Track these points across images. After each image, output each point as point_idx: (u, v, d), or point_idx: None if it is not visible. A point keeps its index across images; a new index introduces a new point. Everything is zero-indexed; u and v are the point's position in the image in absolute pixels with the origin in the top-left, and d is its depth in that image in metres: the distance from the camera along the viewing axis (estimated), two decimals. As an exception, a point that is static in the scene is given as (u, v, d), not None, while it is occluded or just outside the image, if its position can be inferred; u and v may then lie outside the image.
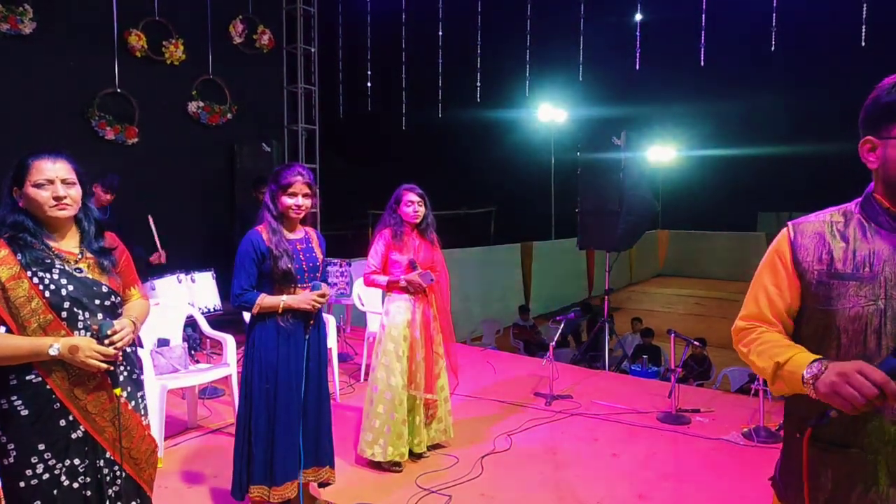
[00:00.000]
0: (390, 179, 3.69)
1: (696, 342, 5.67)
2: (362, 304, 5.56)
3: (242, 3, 7.61)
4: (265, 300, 2.72)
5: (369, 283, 3.66)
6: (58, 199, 1.83)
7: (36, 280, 1.79)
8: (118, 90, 6.39)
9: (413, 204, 3.59)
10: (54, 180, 1.83)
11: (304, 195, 2.78)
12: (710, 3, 7.00)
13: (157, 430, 3.41)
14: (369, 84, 9.28)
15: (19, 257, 1.79)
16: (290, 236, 2.83)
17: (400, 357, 3.53)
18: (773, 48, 6.86)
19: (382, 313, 3.67)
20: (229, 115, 7.39)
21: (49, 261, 1.83)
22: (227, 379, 4.16)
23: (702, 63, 7.08)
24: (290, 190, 2.75)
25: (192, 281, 5.06)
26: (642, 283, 19.10)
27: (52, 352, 1.76)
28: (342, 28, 9.11)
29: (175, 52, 6.79)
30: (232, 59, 7.52)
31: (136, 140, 6.46)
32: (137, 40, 6.46)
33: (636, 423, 4.33)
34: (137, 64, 6.54)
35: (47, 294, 1.80)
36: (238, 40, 7.57)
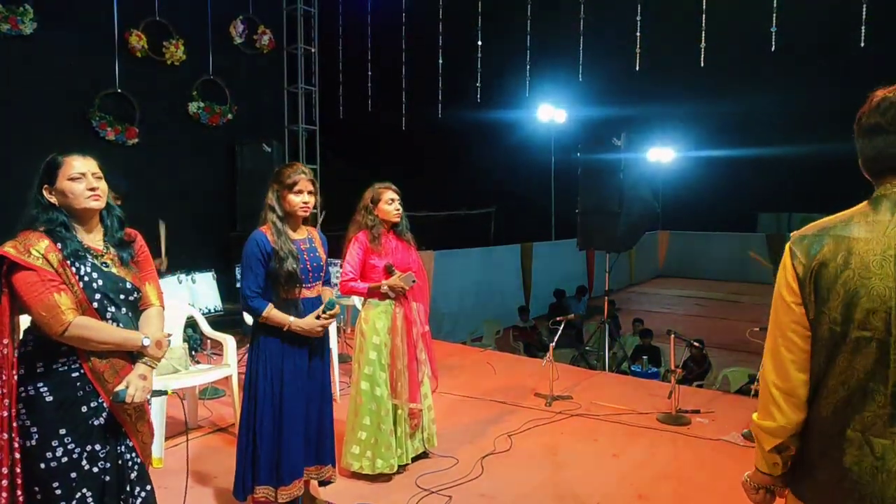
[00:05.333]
0: (390, 180, 3.62)
1: (695, 343, 5.68)
2: (362, 305, 5.56)
3: (243, 3, 7.62)
4: (272, 314, 2.71)
5: (347, 290, 3.44)
6: (92, 189, 1.96)
7: (74, 269, 1.92)
8: (119, 90, 6.40)
9: (394, 202, 3.45)
10: (86, 173, 1.96)
11: (309, 192, 2.79)
12: (710, 3, 6.99)
13: (157, 431, 3.41)
14: (369, 85, 9.27)
15: (60, 246, 1.90)
16: (294, 236, 2.82)
17: (383, 366, 3.40)
18: (772, 49, 6.86)
19: (361, 320, 3.48)
20: (229, 116, 7.40)
21: (83, 254, 1.95)
22: (227, 379, 4.16)
23: (702, 63, 7.07)
24: (297, 188, 2.75)
25: (193, 281, 5.07)
26: (642, 284, 19.08)
27: (146, 342, 1.98)
28: (342, 28, 9.10)
29: (175, 52, 6.80)
30: (232, 60, 7.53)
31: (136, 140, 6.47)
32: (138, 40, 6.46)
33: (636, 423, 4.33)
34: (138, 64, 6.55)
35: (81, 284, 1.92)
36: (238, 41, 7.58)
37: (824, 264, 1.29)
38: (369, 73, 9.24)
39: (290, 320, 2.72)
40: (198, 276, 5.10)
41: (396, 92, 9.14)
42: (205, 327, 4.34)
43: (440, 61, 8.87)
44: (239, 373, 4.24)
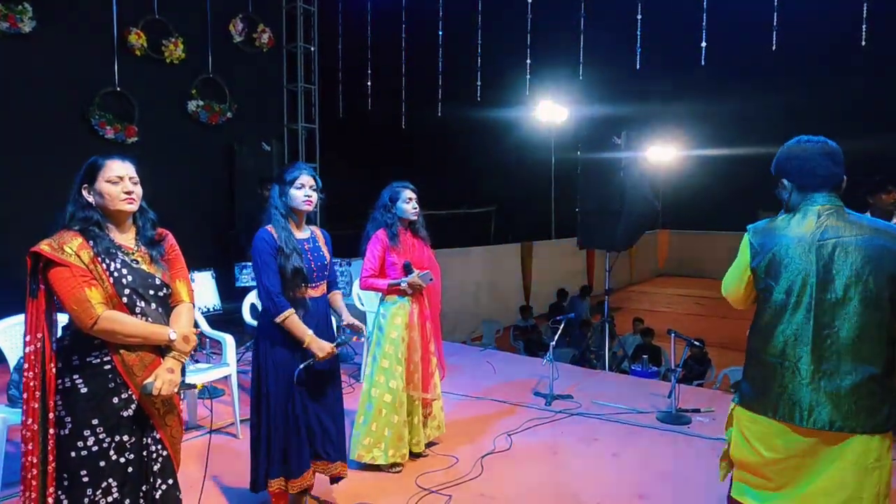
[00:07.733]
0: (390, 179, 3.65)
1: (695, 342, 5.67)
2: (362, 305, 5.56)
3: (242, 1, 7.61)
4: (291, 321, 2.68)
5: (367, 286, 3.55)
6: (128, 193, 2.08)
7: (104, 266, 2.01)
8: (118, 89, 6.39)
9: (413, 200, 3.56)
10: (124, 177, 2.09)
11: (311, 187, 2.79)
12: (710, 3, 6.99)
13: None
14: (369, 84, 9.27)
15: (91, 244, 2.01)
16: (298, 235, 2.82)
17: (400, 359, 3.51)
18: (773, 48, 6.86)
19: (378, 316, 3.61)
20: (229, 115, 7.39)
21: (113, 251, 2.05)
22: (226, 379, 4.15)
23: (702, 63, 7.07)
24: (298, 183, 2.76)
25: (192, 280, 5.04)
26: (642, 283, 19.10)
27: (173, 336, 2.08)
28: (342, 27, 9.10)
29: (175, 50, 6.79)
30: (232, 58, 7.52)
31: (135, 139, 6.46)
32: (137, 39, 6.45)
33: (636, 423, 4.33)
34: (137, 63, 6.54)
35: (111, 280, 2.02)
36: (238, 39, 7.57)
37: (773, 255, 1.97)
38: (369, 71, 9.24)
39: (308, 335, 2.70)
40: (197, 275, 5.08)
41: (396, 90, 9.14)
42: (204, 326, 4.33)
43: (440, 61, 8.87)
44: (238, 372, 4.24)
